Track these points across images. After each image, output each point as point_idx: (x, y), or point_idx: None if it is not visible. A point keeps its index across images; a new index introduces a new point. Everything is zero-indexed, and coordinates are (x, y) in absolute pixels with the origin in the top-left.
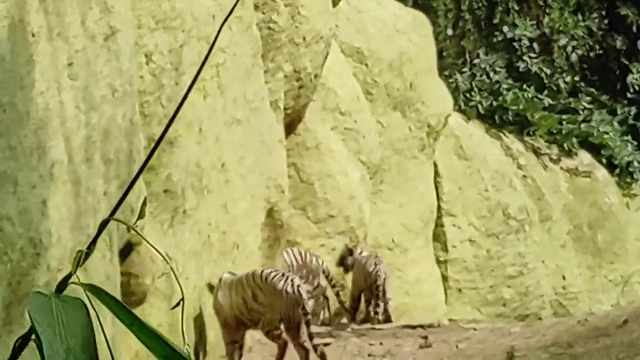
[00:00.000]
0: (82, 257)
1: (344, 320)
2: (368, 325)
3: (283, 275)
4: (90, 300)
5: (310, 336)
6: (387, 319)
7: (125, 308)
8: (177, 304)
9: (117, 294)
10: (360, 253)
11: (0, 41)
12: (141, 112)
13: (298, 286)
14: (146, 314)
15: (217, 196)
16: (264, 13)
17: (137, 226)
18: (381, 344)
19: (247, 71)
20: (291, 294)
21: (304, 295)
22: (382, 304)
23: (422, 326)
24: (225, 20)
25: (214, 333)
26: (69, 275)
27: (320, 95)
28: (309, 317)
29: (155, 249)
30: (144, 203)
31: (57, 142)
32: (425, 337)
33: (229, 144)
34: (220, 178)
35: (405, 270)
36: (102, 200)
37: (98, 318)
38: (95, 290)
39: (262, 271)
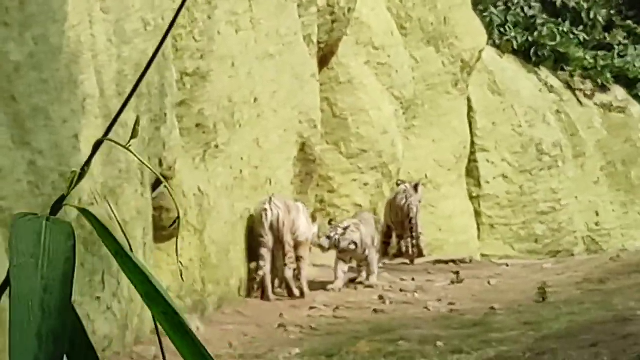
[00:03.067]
0: (75, 178)
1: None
2: (400, 261)
3: None
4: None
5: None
6: (420, 254)
7: (112, 237)
8: (174, 222)
9: (149, 228)
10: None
11: None
12: (174, 45)
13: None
14: (178, 247)
15: (249, 131)
16: None
17: (130, 146)
18: (413, 279)
19: (280, 5)
20: None
21: (264, 218)
22: (414, 239)
23: (454, 262)
24: None
25: (245, 269)
26: (63, 197)
27: (354, 30)
28: (260, 238)
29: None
30: (137, 122)
31: (89, 75)
32: (457, 273)
33: (261, 78)
34: (253, 112)
35: (438, 205)
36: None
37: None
38: (87, 214)
39: None
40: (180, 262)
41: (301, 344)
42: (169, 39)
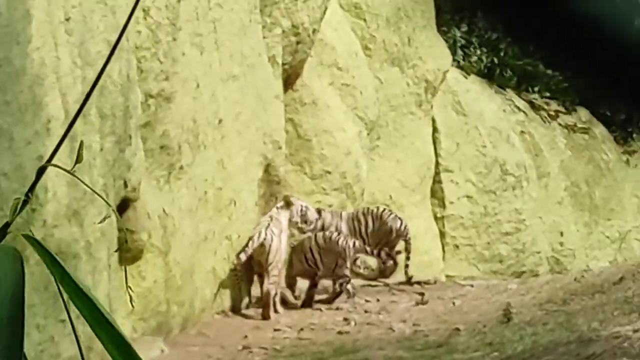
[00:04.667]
0: (19, 205)
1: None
2: (363, 282)
3: None
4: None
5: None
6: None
7: (57, 262)
8: (103, 219)
9: (113, 249)
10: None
11: None
12: (138, 67)
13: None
14: (142, 269)
15: (213, 152)
16: None
17: (74, 171)
18: (377, 300)
19: (244, 26)
20: None
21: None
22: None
23: (418, 283)
24: None
25: (210, 290)
26: (7, 224)
27: (318, 51)
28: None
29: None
30: (80, 147)
31: (53, 97)
32: (422, 294)
33: (225, 99)
34: (217, 134)
35: None
36: (98, 156)
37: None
38: (31, 240)
39: None
40: (130, 288)
41: None
42: (133, 60)
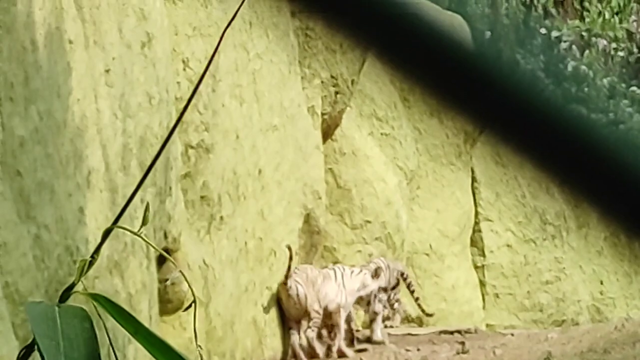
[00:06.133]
0: (85, 266)
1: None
2: (405, 331)
3: None
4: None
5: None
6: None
7: (130, 316)
8: (189, 306)
9: (154, 301)
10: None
11: (37, 49)
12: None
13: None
14: (183, 321)
15: (254, 203)
16: (300, 20)
17: (142, 232)
18: (418, 350)
19: (283, 78)
20: None
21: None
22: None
23: (459, 332)
24: (228, 25)
25: (251, 340)
26: (73, 285)
27: (357, 102)
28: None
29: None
30: (147, 209)
31: (94, 150)
32: (462, 343)
33: (265, 150)
34: (257, 185)
35: (442, 276)
36: (139, 208)
37: (105, 328)
38: (99, 299)
39: None
40: (200, 347)
41: None
42: (173, 112)
